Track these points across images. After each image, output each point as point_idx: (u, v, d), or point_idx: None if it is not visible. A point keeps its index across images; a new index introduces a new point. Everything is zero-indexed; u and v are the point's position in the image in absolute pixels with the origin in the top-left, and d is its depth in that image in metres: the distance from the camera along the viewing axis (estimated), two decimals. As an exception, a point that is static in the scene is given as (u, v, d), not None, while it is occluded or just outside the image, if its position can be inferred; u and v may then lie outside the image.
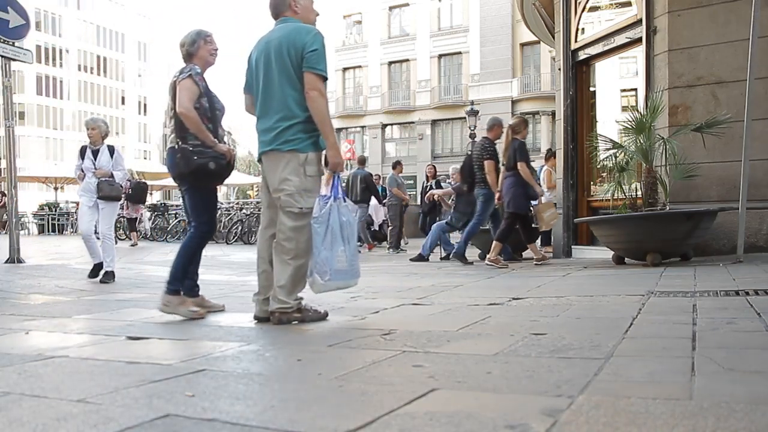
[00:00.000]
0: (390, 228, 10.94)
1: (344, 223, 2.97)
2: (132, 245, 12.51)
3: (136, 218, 13.50)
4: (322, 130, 2.95)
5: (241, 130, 68.09)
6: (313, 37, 2.93)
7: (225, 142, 3.50)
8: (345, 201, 3.05)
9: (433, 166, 11.21)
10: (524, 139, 6.80)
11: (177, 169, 3.30)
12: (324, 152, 3.07)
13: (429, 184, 10.68)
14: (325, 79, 2.95)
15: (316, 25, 3.15)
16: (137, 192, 12.81)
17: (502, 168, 6.90)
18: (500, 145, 7.01)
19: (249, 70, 3.20)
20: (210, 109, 3.39)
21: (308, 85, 2.90)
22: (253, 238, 12.90)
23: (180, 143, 3.30)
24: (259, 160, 3.15)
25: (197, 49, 3.47)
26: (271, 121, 3.01)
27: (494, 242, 6.61)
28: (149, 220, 15.68)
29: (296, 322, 2.96)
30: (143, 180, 14.29)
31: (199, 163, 3.24)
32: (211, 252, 11.21)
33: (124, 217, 13.18)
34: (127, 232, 13.82)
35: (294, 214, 2.93)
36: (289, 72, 2.94)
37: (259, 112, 3.10)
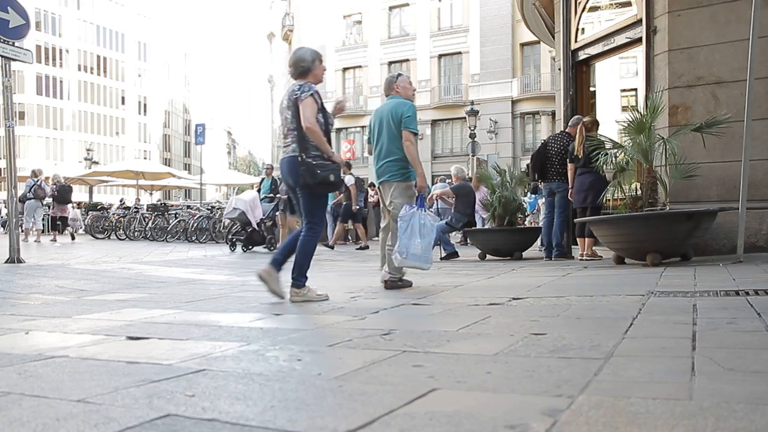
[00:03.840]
0: None
1: (422, 225, 4.35)
2: (51, 240, 14.08)
3: (64, 217, 14.93)
4: (414, 166, 4.54)
5: (241, 131, 68.14)
6: (408, 108, 4.57)
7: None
8: (426, 211, 4.47)
9: None
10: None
11: (302, 180, 3.79)
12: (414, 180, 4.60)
13: None
14: (415, 134, 4.53)
15: (415, 98, 4.87)
16: (62, 193, 14.41)
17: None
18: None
19: (370, 129, 4.81)
20: (324, 124, 3.87)
21: (405, 138, 4.51)
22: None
23: (304, 156, 3.78)
24: (379, 186, 4.78)
25: (315, 68, 3.95)
26: (384, 161, 4.63)
27: (586, 240, 6.83)
28: (83, 219, 17.81)
29: (399, 288, 4.50)
30: (68, 183, 15.77)
31: (322, 176, 3.78)
32: (211, 252, 11.22)
33: (50, 216, 15.41)
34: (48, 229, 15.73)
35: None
36: (392, 130, 4.56)
37: (377, 155, 4.71)
